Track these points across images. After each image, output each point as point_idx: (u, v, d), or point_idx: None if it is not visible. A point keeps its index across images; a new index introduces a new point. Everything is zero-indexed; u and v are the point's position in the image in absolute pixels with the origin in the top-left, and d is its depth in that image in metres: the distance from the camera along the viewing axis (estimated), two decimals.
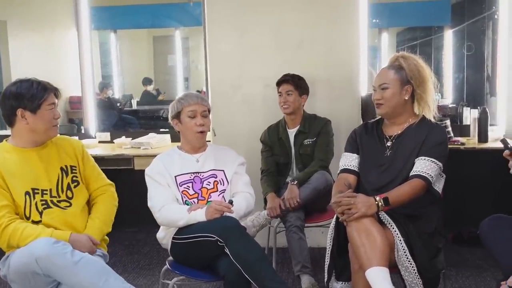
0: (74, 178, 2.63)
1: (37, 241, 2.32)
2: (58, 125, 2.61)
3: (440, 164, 2.61)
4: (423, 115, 2.74)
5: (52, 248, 2.26)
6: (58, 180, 2.58)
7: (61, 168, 2.61)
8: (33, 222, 2.46)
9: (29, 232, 2.38)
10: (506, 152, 2.15)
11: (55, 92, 2.56)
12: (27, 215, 2.47)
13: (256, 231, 3.32)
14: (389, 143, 2.73)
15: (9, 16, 6.01)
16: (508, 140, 2.18)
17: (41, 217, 2.48)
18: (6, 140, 2.59)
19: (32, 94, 2.47)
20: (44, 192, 2.52)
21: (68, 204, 2.57)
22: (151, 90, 7.70)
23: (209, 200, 2.76)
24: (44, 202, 2.51)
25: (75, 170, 2.65)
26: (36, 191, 2.50)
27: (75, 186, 2.62)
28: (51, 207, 2.52)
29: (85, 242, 2.44)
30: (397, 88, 2.66)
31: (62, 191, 2.57)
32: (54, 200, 2.54)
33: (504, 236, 2.06)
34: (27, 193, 2.48)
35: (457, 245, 4.23)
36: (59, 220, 2.50)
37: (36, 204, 2.49)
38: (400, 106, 2.69)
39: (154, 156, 2.94)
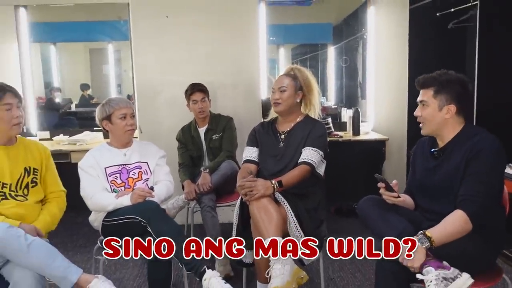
0: (34, 179, 2.45)
1: None
2: (21, 124, 2.37)
3: (321, 152, 2.69)
4: (307, 114, 2.82)
5: (6, 232, 2.08)
6: (19, 178, 2.39)
7: (25, 168, 2.42)
8: None
9: None
10: (381, 184, 2.22)
11: (12, 92, 2.32)
12: None
13: (176, 212, 3.28)
14: (282, 137, 2.78)
15: None
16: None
17: None
18: None
19: None
20: (4, 185, 2.34)
21: (24, 199, 2.39)
22: (88, 94, 7.41)
23: (134, 188, 2.67)
24: (2, 194, 2.33)
25: (37, 172, 2.47)
26: None
27: (32, 187, 2.44)
28: (8, 199, 2.34)
29: (30, 232, 2.23)
30: (292, 91, 2.72)
31: (20, 188, 2.39)
32: (12, 193, 2.35)
33: (376, 212, 2.16)
34: None
35: (338, 216, 4.38)
36: (13, 211, 2.31)
37: None
38: (293, 107, 2.76)
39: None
